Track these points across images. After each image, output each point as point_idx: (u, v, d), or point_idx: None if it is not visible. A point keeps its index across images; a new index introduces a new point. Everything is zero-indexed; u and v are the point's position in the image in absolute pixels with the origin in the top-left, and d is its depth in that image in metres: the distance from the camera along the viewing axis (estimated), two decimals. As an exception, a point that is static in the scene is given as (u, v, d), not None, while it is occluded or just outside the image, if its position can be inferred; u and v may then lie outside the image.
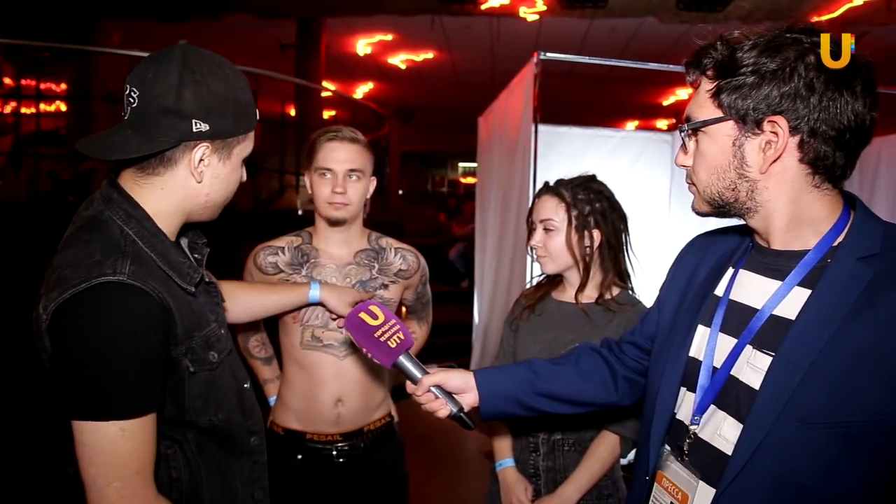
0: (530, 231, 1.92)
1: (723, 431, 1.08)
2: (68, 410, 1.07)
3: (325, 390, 1.94)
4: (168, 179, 1.20)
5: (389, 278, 2.01)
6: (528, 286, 2.12)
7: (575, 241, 1.82)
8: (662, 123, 14.84)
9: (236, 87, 1.21)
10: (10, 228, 5.02)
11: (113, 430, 1.06)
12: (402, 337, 1.37)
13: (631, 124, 15.07)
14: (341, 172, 1.87)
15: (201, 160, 1.20)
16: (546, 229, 1.85)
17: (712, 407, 1.11)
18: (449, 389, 1.38)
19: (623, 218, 1.88)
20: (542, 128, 3.66)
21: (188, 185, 1.22)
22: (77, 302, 1.05)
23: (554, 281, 1.96)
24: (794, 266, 1.06)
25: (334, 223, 1.94)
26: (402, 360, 1.36)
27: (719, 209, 1.12)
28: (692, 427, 1.13)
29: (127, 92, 1.16)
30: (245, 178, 1.32)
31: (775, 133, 1.01)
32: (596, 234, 1.83)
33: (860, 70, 0.99)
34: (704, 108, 1.08)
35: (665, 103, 13.06)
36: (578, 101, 12.27)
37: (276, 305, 1.85)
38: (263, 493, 1.41)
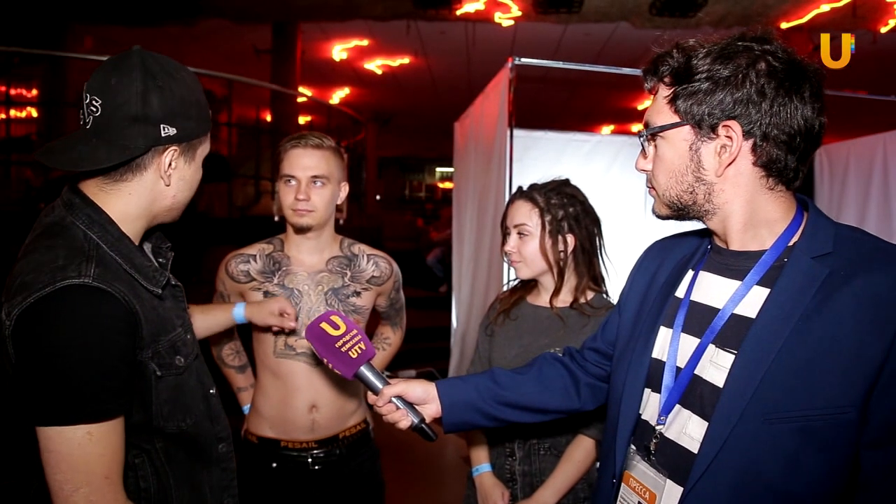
0: (504, 236, 1.92)
1: (688, 430, 1.09)
2: (35, 416, 1.05)
3: (299, 397, 1.92)
4: (136, 185, 1.20)
5: (362, 285, 2.01)
6: (503, 290, 2.12)
7: (549, 246, 1.82)
8: (637, 127, 14.85)
9: (195, 90, 1.24)
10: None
11: (80, 435, 1.04)
12: (363, 347, 1.35)
13: (606, 128, 15.17)
14: (304, 179, 1.86)
15: (170, 164, 1.21)
16: (520, 234, 1.86)
17: (677, 406, 1.13)
18: (410, 400, 1.37)
19: (596, 222, 1.89)
20: (517, 132, 3.67)
21: (156, 189, 1.22)
22: (42, 306, 1.04)
23: (528, 285, 1.97)
24: (752, 266, 1.09)
25: (301, 230, 1.93)
26: (364, 370, 1.35)
27: (678, 212, 1.15)
28: (658, 427, 1.14)
29: (87, 101, 1.15)
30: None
31: (730, 137, 1.04)
32: (570, 238, 1.84)
33: (808, 76, 1.03)
34: (662, 114, 1.11)
35: (640, 107, 13.16)
36: (553, 105, 12.35)
37: (205, 327, 1.82)
38: (233, 500, 1.40)
